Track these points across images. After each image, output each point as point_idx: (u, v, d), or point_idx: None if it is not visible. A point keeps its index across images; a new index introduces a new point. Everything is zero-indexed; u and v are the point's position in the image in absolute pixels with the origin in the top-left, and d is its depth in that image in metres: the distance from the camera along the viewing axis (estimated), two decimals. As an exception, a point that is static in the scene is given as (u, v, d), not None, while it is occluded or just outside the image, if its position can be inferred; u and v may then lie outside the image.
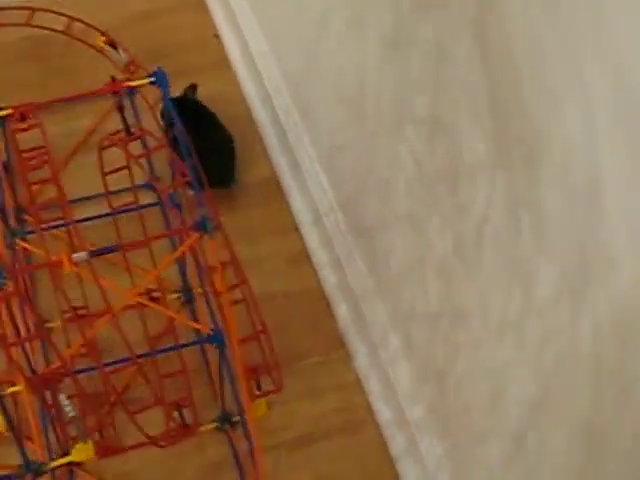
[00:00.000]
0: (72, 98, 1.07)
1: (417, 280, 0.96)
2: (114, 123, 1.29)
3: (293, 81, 1.26)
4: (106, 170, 1.06)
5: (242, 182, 1.30)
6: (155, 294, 1.11)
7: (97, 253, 0.82)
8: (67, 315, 0.96)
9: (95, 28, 1.29)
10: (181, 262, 1.12)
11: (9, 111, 0.92)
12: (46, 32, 1.32)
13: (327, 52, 1.09)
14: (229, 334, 0.93)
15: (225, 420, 1.04)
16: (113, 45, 1.31)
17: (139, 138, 0.96)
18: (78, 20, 1.30)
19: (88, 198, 1.22)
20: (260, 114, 1.35)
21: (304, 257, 1.24)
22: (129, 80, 0.98)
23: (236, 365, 0.93)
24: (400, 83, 0.88)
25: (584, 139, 0.61)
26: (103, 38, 1.31)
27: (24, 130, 0.92)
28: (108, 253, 0.86)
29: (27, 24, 1.31)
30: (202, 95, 1.39)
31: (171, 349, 1.01)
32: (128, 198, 1.14)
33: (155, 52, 1.46)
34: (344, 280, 1.15)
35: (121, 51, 1.31)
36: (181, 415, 1.03)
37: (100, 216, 1.17)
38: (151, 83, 0.95)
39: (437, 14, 0.78)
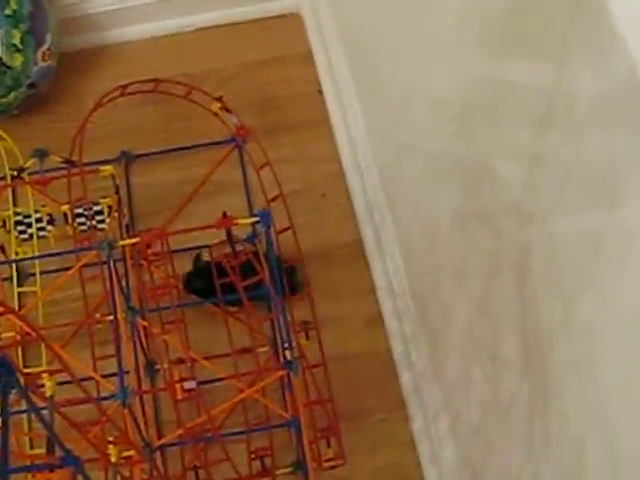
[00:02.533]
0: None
1: (463, 395, 1.15)
2: (224, 174, 1.48)
3: (384, 173, 1.41)
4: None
5: (333, 241, 1.48)
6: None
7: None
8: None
9: (211, 96, 1.46)
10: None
11: (136, 240, 1.08)
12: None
13: (409, 177, 1.24)
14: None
15: (298, 467, 1.28)
16: (227, 109, 1.49)
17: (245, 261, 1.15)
18: (197, 89, 1.47)
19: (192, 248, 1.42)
20: (352, 180, 1.50)
21: (379, 320, 1.42)
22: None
23: (306, 447, 1.13)
24: (464, 252, 1.04)
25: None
26: (218, 104, 1.48)
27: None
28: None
29: (153, 90, 1.50)
30: (300, 152, 1.55)
31: (262, 428, 1.23)
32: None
33: (264, 103, 1.62)
34: (409, 355, 1.34)
35: (233, 116, 1.49)
36: (262, 462, 1.27)
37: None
38: (255, 222, 1.10)
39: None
